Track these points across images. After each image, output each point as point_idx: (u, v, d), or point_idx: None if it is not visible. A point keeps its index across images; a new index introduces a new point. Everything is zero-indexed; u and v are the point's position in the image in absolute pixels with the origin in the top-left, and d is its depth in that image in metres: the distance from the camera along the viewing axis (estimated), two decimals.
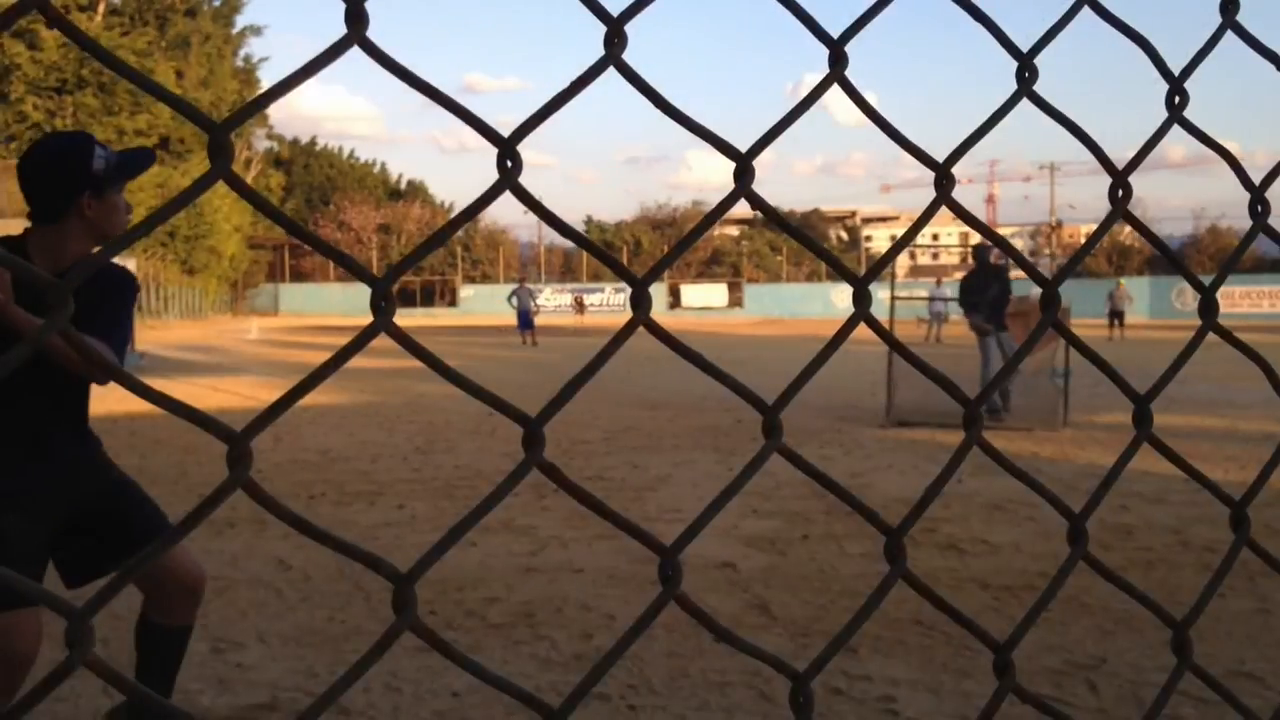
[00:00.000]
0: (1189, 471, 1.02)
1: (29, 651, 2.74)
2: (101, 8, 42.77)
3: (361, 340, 0.59)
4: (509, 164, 0.68)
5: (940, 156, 0.88)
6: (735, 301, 56.47)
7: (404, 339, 0.61)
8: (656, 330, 0.73)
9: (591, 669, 0.71)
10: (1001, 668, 0.84)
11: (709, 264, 64.33)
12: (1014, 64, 0.91)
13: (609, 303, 54.58)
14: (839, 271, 0.84)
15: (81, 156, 2.72)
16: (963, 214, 0.87)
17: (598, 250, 0.76)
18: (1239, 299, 45.36)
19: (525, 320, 28.52)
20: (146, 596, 3.14)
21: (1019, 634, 0.88)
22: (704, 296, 56.58)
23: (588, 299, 51.34)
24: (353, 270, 0.65)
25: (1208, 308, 1.01)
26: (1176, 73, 0.97)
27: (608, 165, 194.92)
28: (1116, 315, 29.94)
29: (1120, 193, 0.94)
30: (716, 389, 14.29)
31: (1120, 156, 1.02)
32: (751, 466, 0.77)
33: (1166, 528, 6.24)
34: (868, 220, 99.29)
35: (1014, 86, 0.93)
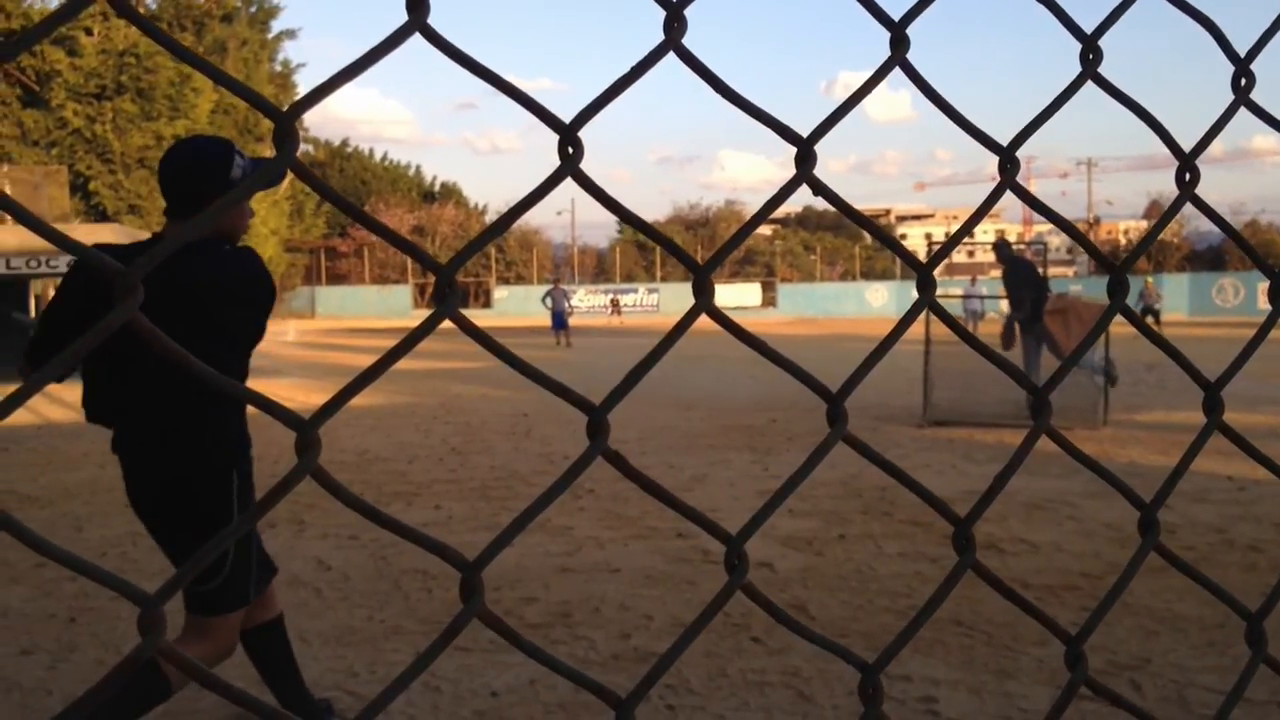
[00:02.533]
0: (1257, 457, 1.00)
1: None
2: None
3: (429, 325, 0.59)
4: (570, 150, 0.68)
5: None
6: (769, 301, 56.22)
7: (467, 325, 0.61)
8: (719, 316, 0.72)
9: (659, 659, 0.70)
10: (1074, 660, 0.82)
11: (742, 263, 64.09)
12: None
13: (642, 303, 54.51)
14: (902, 257, 0.83)
15: (223, 163, 2.83)
16: (1027, 198, 0.86)
17: (661, 238, 0.75)
18: None
19: (560, 321, 28.48)
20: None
21: (1091, 624, 0.86)
22: (738, 296, 56.34)
23: (621, 299, 51.30)
24: (417, 257, 0.65)
25: (1278, 294, 0.99)
26: (1242, 54, 0.96)
27: (641, 165, 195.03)
28: (1151, 312, 29.84)
29: (1188, 176, 0.93)
30: (750, 389, 14.25)
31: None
32: (817, 454, 0.76)
33: (1209, 526, 6.16)
34: (902, 218, 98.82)
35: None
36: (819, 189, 0.77)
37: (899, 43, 0.79)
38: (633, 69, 0.70)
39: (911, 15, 0.79)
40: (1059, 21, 0.86)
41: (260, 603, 3.27)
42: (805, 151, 0.76)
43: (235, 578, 2.93)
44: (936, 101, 0.81)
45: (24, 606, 4.77)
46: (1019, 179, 0.87)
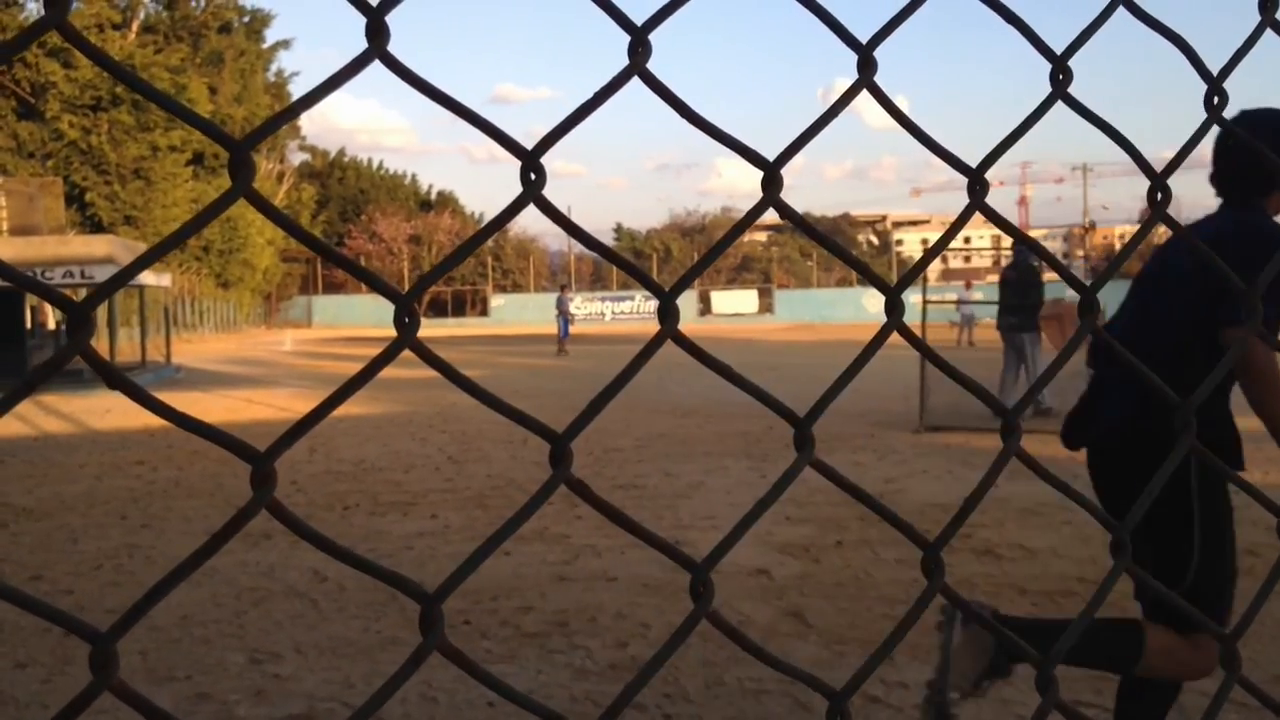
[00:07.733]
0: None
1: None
2: (135, 26, 43.32)
3: (386, 357, 0.58)
4: (533, 176, 0.68)
5: (974, 161, 0.87)
6: (766, 307, 56.28)
7: (429, 355, 0.60)
8: (684, 343, 0.72)
9: (625, 687, 0.70)
10: (1044, 684, 0.82)
11: (739, 270, 64.19)
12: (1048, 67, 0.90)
13: (639, 310, 54.60)
14: (870, 280, 0.83)
15: None
16: (997, 219, 0.86)
17: (624, 262, 0.75)
18: None
19: (564, 328, 28.41)
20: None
21: (1061, 649, 0.86)
22: (734, 303, 56.45)
23: (617, 307, 51.45)
24: (376, 287, 0.65)
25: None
26: (1215, 73, 0.96)
27: (638, 172, 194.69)
28: None
29: (1160, 195, 0.93)
30: (747, 396, 14.19)
31: (1155, 156, 1.00)
32: (783, 481, 0.75)
33: None
34: (898, 224, 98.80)
35: (1047, 89, 0.92)
36: (786, 213, 0.77)
37: (866, 65, 0.78)
38: (596, 94, 0.69)
39: (879, 38, 0.79)
40: (1030, 43, 0.86)
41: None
42: (772, 175, 0.76)
43: (1203, 577, 2.64)
44: (904, 123, 0.81)
45: (19, 620, 4.75)
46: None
